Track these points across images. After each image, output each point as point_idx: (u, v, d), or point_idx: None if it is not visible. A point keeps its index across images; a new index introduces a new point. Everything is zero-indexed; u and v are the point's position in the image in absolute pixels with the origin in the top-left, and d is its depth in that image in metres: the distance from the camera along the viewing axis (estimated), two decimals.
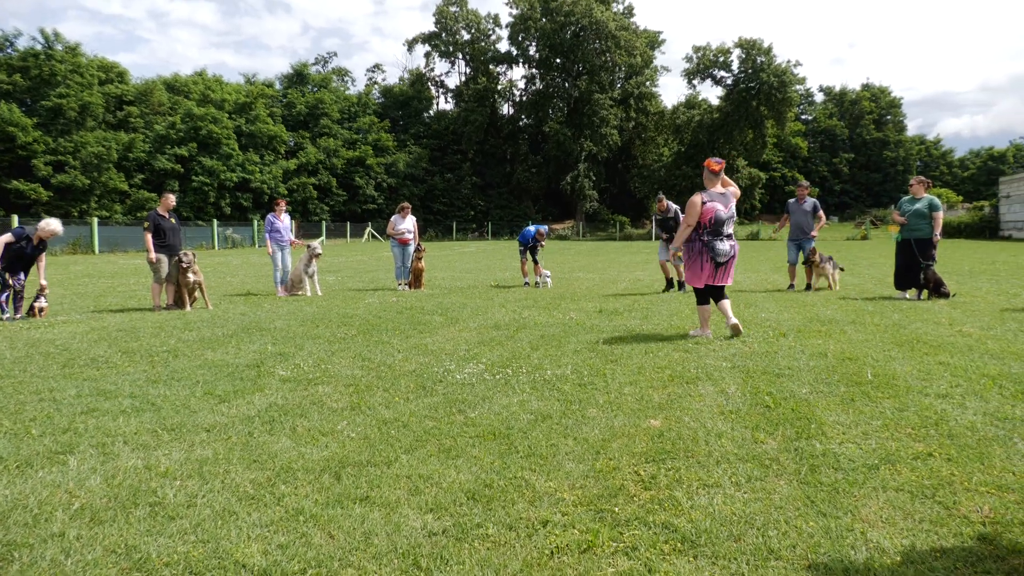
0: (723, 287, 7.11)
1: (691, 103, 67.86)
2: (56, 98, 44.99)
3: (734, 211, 7.01)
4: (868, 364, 5.57)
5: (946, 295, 10.12)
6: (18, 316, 9.16)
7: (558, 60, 66.10)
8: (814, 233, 11.90)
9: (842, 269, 12.54)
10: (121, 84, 52.43)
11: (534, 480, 3.15)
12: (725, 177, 7.17)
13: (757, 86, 60.38)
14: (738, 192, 7.14)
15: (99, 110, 47.78)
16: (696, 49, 64.17)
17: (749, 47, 60.98)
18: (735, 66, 62.67)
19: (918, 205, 10.34)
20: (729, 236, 6.99)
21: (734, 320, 7.01)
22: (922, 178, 10.73)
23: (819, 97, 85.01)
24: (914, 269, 10.29)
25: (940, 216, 10.26)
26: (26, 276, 9.46)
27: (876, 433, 3.79)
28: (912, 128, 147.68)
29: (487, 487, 3.07)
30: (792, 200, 12.40)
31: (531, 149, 70.45)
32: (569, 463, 3.37)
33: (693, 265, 7.07)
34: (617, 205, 70.63)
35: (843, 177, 78.29)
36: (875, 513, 2.78)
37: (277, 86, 64.73)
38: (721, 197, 6.93)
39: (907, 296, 10.47)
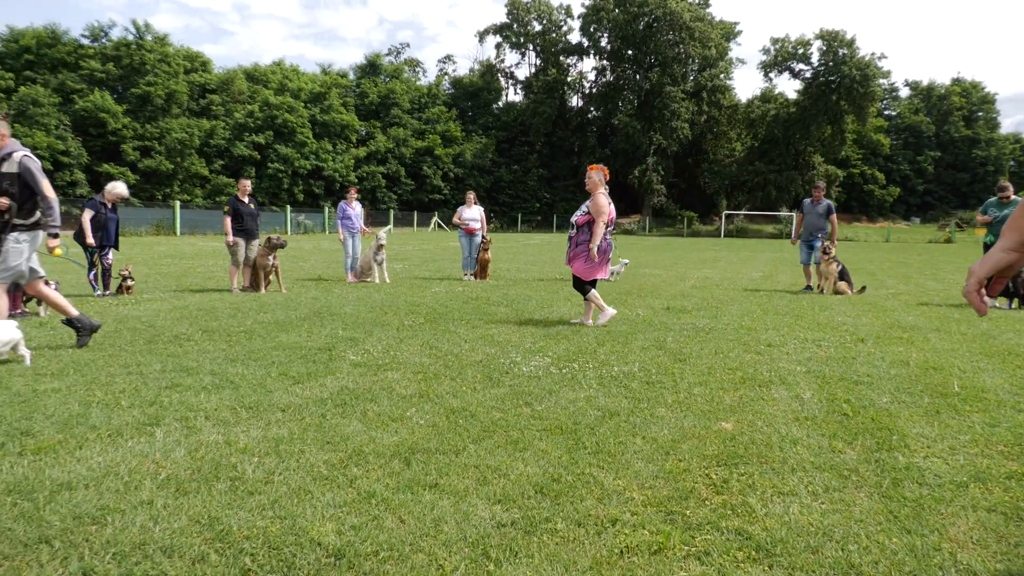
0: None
1: (766, 97, 65.90)
2: (145, 86, 47.24)
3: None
4: (954, 375, 5.29)
5: None
6: (107, 292, 9.67)
7: (630, 52, 65.18)
8: (828, 242, 11.54)
9: (863, 289, 11.57)
10: (205, 73, 54.64)
11: (602, 477, 3.12)
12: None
13: (838, 80, 58.12)
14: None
15: (184, 98, 49.92)
16: (774, 41, 62.32)
17: (831, 39, 58.72)
18: (815, 58, 60.52)
19: (1007, 211, 9.80)
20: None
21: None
22: (1011, 186, 10.23)
23: (904, 92, 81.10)
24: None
25: None
26: (112, 253, 9.98)
27: (964, 449, 3.60)
28: (1008, 126, 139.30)
29: (555, 481, 3.06)
30: (807, 200, 12.09)
31: (599, 142, 69.77)
32: (638, 462, 3.33)
33: (603, 260, 7.58)
34: (685, 200, 69.31)
35: (927, 176, 74.62)
36: (964, 533, 2.63)
37: (351, 76, 66.17)
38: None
39: (996, 304, 9.90)
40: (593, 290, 7.67)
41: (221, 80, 55.45)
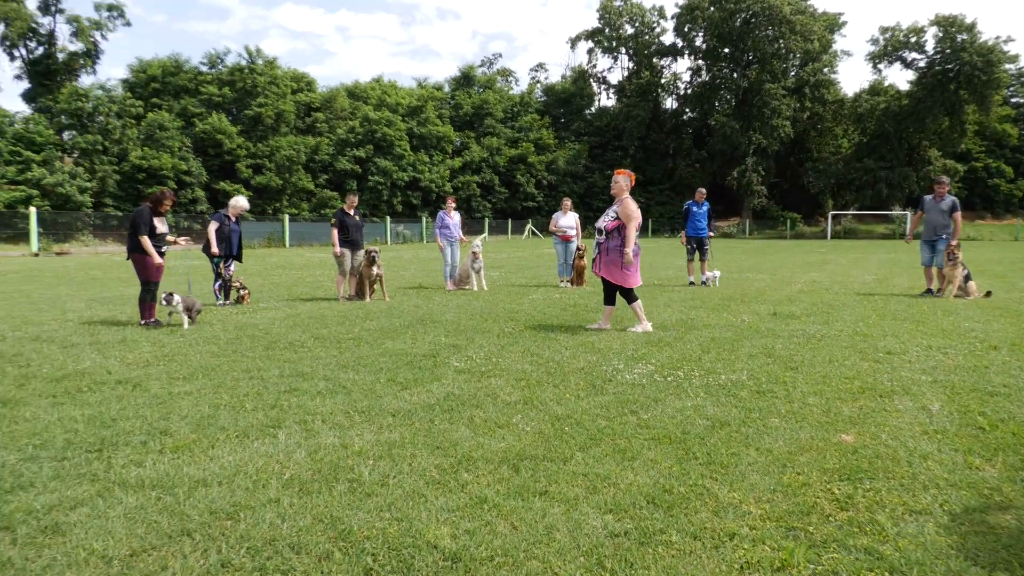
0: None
1: (875, 89, 62.17)
2: (256, 107, 50.25)
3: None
4: None
5: None
6: (228, 302, 10.32)
7: (726, 50, 63.35)
8: (953, 241, 10.60)
9: (988, 294, 10.70)
10: (310, 92, 57.52)
11: (716, 489, 3.04)
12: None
13: (956, 67, 54.11)
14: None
15: (291, 117, 52.73)
16: (883, 30, 58.77)
17: (947, 24, 54.80)
18: (929, 46, 56.62)
19: None
20: None
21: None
22: None
23: None
24: None
25: None
26: (233, 265, 10.63)
27: None
28: None
29: (666, 492, 3.00)
30: (928, 197, 11.09)
31: (695, 143, 68.14)
32: (753, 474, 3.21)
33: (636, 266, 7.48)
34: (788, 201, 66.50)
35: None
36: None
37: (446, 88, 67.77)
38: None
39: None
40: (638, 299, 7.63)
41: (324, 98, 58.16)
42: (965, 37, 53.96)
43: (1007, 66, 57.52)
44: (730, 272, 16.01)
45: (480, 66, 73.06)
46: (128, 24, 53.86)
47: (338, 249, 10.89)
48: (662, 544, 2.53)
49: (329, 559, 2.42)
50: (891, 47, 58.39)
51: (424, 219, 47.91)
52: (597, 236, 7.67)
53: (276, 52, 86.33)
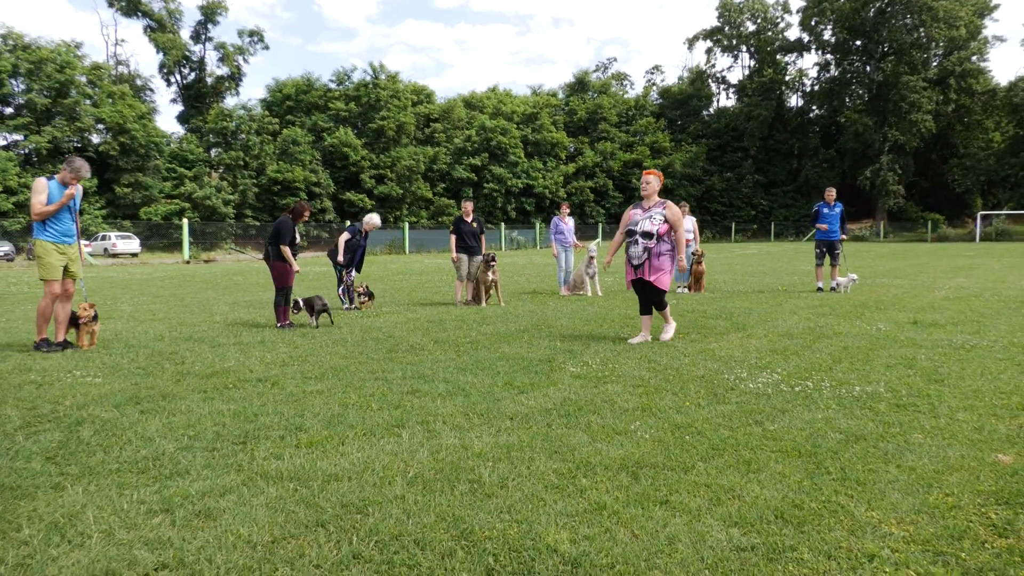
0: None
1: None
2: (379, 120, 52.71)
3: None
4: None
5: None
6: (352, 307, 10.85)
7: (858, 42, 59.71)
8: None
9: None
10: (428, 104, 59.63)
11: (852, 507, 2.85)
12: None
13: None
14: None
15: (411, 128, 54.90)
16: None
17: None
18: None
19: None
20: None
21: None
22: None
23: None
24: None
25: None
26: (356, 272, 11.17)
27: None
28: None
29: (796, 508, 2.85)
30: None
31: (822, 142, 64.55)
32: (894, 493, 2.99)
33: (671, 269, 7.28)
34: (929, 201, 61.64)
35: None
36: None
37: (560, 95, 68.13)
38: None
39: None
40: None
41: (443, 109, 60.11)
42: None
43: None
44: (863, 277, 15.00)
45: (595, 71, 72.96)
46: (267, 48, 58.28)
47: (455, 254, 11.19)
48: (793, 562, 2.41)
49: (452, 556, 2.48)
50: None
51: (538, 225, 48.31)
52: (644, 240, 7.08)
53: (398, 67, 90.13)
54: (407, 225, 41.32)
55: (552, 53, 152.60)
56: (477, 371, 5.77)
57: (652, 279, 7.07)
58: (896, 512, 2.80)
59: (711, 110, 71.46)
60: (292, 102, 54.30)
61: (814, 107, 67.32)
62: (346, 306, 10.80)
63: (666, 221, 7.07)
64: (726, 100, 73.70)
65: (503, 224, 46.66)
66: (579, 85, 68.41)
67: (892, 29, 56.39)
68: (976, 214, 54.23)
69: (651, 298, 7.24)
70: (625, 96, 70.08)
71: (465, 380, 5.42)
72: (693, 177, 62.10)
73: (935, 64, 58.19)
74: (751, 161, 64.21)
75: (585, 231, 51.48)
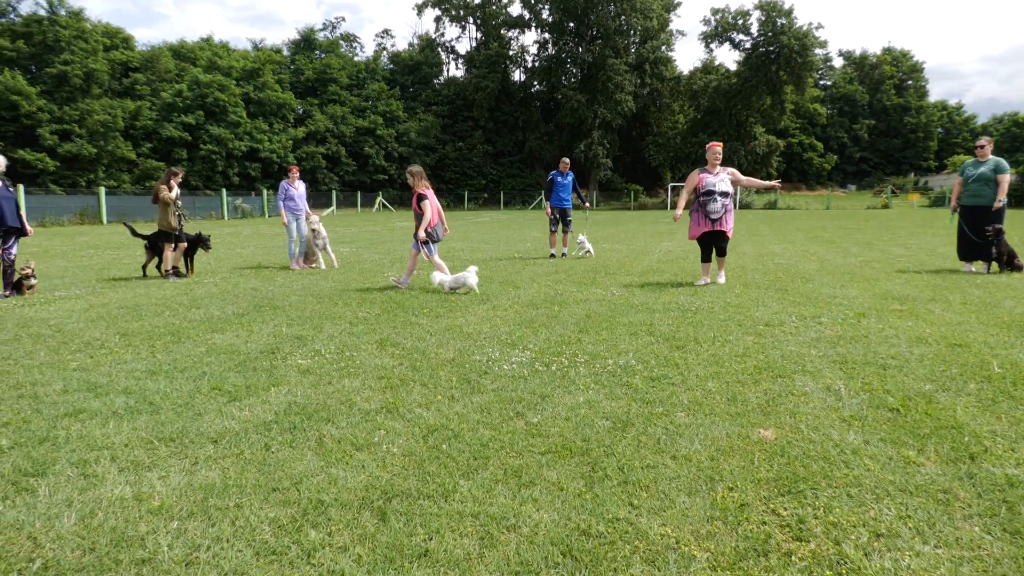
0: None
1: (708, 68, 65.95)
2: (61, 65, 43.97)
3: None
4: (986, 353, 4.75)
5: (1020, 268, 9.25)
6: (10, 293, 8.41)
7: (571, 24, 64.27)
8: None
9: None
10: (126, 51, 51.34)
11: (644, 524, 2.39)
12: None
13: (777, 50, 58.48)
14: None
15: (104, 77, 46.74)
16: (714, 11, 62.25)
17: (769, 9, 58.94)
18: (754, 29, 60.73)
19: (983, 168, 9.44)
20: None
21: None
22: (989, 138, 9.78)
23: (838, 62, 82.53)
24: (979, 239, 9.39)
25: (1006, 179, 9.34)
26: (15, 244, 8.68)
27: None
28: (935, 94, 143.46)
29: (583, 534, 2.31)
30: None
31: (543, 116, 68.84)
32: (680, 495, 2.61)
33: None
34: (631, 174, 69.25)
35: (863, 144, 76.37)
36: None
37: (285, 52, 63.36)
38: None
39: (973, 269, 9.61)
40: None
41: (145, 58, 52.14)
42: (784, 21, 58.33)
43: (817, 51, 63.01)
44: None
45: (322, 30, 69.09)
46: None
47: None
48: None
49: None
50: (721, 28, 61.98)
51: (265, 192, 44.55)
52: (720, 199, 8.32)
53: (96, 12, 76.45)
54: (104, 190, 35.17)
55: (281, 13, 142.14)
56: (174, 374, 4.50)
57: (727, 229, 8.45)
58: (690, 523, 2.40)
59: (441, 79, 72.06)
60: None
61: (535, 83, 71.29)
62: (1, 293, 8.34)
63: (732, 183, 8.46)
64: (455, 70, 74.91)
65: (224, 190, 42.00)
66: (305, 43, 64.24)
67: (599, 15, 61.59)
68: (667, 186, 62.27)
69: (722, 246, 8.61)
70: (355, 59, 67.53)
71: (155, 388, 4.16)
72: (428, 147, 62.26)
73: (634, 51, 65.01)
74: (481, 132, 66.17)
75: (318, 198, 48.80)
